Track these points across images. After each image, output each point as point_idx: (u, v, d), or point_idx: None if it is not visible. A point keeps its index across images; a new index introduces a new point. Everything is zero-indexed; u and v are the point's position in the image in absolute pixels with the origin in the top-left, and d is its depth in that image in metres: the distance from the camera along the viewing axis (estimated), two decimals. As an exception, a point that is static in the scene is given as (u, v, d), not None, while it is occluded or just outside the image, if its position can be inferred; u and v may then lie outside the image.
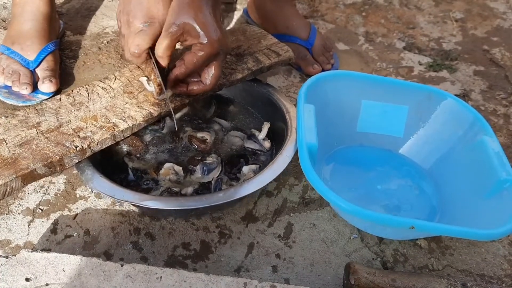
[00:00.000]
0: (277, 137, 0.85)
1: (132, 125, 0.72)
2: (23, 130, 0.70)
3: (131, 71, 0.82)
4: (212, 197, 0.68)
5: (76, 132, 0.70)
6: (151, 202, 0.66)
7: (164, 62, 0.71)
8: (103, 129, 0.71)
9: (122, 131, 0.72)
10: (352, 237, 0.78)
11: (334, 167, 0.87)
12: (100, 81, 0.80)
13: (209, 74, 0.72)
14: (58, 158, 0.66)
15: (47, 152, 0.67)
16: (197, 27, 0.67)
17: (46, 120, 0.73)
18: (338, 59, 1.12)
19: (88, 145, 0.68)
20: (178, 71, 0.71)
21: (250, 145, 0.84)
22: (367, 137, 0.90)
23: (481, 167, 0.77)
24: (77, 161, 0.69)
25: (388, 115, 0.89)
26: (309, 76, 0.87)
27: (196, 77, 0.74)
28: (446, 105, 0.86)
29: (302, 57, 1.05)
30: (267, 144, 0.84)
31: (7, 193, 0.64)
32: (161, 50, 0.69)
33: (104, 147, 0.71)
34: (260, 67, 0.85)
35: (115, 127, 0.71)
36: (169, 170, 0.76)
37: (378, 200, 0.82)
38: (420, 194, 0.84)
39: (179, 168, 0.77)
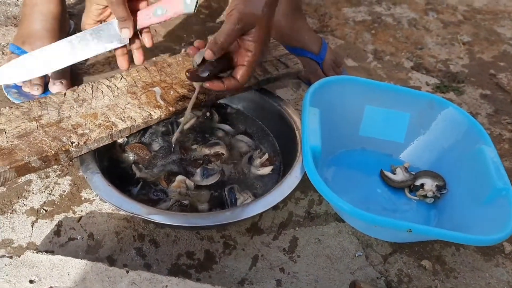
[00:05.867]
0: (286, 150, 0.85)
1: (131, 125, 0.72)
2: (24, 122, 0.70)
3: (138, 72, 0.82)
4: (219, 216, 0.67)
5: (75, 128, 0.70)
6: (158, 217, 0.65)
7: (221, 52, 0.69)
8: (101, 127, 0.70)
9: (120, 131, 0.71)
10: (356, 255, 0.77)
11: (337, 170, 0.88)
12: (106, 79, 0.80)
13: (241, 71, 0.71)
14: (53, 152, 0.66)
15: (43, 146, 0.66)
16: (262, 34, 0.69)
17: (48, 114, 0.72)
18: (348, 75, 1.13)
19: (85, 142, 0.68)
20: (239, 74, 0.71)
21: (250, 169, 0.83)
22: (369, 141, 0.92)
23: (479, 175, 0.80)
24: (72, 156, 0.68)
25: (390, 121, 0.92)
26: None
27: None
28: (446, 113, 0.89)
29: (313, 71, 1.06)
30: (266, 170, 0.82)
31: (0, 182, 0.63)
32: (225, 42, 0.68)
33: (100, 145, 0.70)
34: (267, 77, 0.84)
35: (113, 127, 0.71)
36: (181, 183, 0.75)
37: (377, 203, 0.85)
38: (421, 202, 0.87)
39: (190, 183, 0.76)
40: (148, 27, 0.81)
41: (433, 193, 0.86)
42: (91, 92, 0.77)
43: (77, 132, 0.69)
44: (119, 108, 0.74)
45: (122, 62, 0.82)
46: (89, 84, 0.79)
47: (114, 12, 0.76)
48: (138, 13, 0.79)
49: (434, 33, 1.36)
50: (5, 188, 0.79)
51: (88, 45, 0.80)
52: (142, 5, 0.80)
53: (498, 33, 1.40)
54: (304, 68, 1.03)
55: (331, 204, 0.77)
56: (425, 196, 0.86)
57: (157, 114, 0.74)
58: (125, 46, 0.81)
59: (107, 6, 0.78)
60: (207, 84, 0.71)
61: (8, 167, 0.63)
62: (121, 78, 0.80)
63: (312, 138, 0.75)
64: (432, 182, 0.86)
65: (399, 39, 1.32)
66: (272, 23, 0.71)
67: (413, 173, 0.88)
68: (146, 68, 0.83)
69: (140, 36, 0.81)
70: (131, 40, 0.80)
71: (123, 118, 0.72)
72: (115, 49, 0.81)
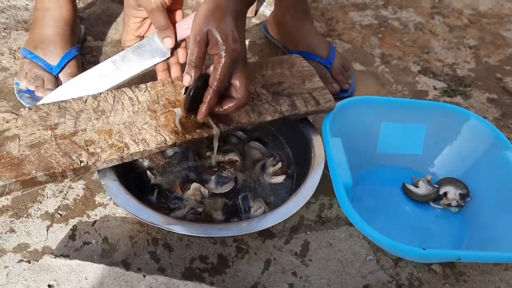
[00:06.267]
0: (299, 158, 0.85)
1: (143, 150, 0.69)
2: (39, 129, 0.70)
3: (163, 85, 0.79)
4: (235, 228, 0.68)
5: (87, 145, 0.69)
6: (177, 227, 0.65)
7: (198, 71, 0.70)
8: (114, 148, 0.69)
9: (131, 154, 0.69)
10: (368, 259, 0.78)
11: (359, 190, 0.87)
12: (130, 88, 0.78)
13: (237, 87, 0.70)
14: (60, 170, 0.65)
15: (52, 161, 0.66)
16: (218, 36, 0.66)
17: (64, 123, 0.71)
18: (355, 79, 1.14)
19: (94, 163, 0.67)
20: (208, 94, 0.69)
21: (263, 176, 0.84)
22: (387, 157, 0.93)
23: (506, 181, 0.81)
24: (80, 175, 0.68)
25: (407, 134, 0.92)
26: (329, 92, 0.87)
27: (227, 97, 0.72)
28: (464, 121, 0.90)
29: (321, 75, 1.06)
30: (279, 179, 0.82)
31: (4, 193, 0.64)
32: (194, 59, 0.69)
33: (109, 165, 0.69)
34: (294, 113, 0.79)
35: (125, 149, 0.69)
36: (196, 190, 0.76)
37: (405, 221, 0.85)
38: (446, 211, 0.88)
39: (205, 191, 0.77)
40: (184, 40, 0.80)
41: (457, 201, 0.86)
42: (112, 102, 0.75)
43: (88, 150, 0.68)
44: (136, 127, 0.72)
45: (163, 77, 0.81)
46: (111, 92, 0.77)
47: (155, 21, 0.75)
48: (176, 24, 0.79)
49: (441, 37, 1.37)
50: (20, 193, 0.80)
51: (131, 63, 0.79)
52: (178, 17, 0.80)
53: (504, 36, 1.40)
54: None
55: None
56: (449, 205, 0.87)
57: (172, 140, 0.71)
58: (165, 60, 0.81)
59: (145, 19, 0.78)
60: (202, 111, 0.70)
61: (14, 180, 0.63)
62: (145, 90, 0.78)
63: (343, 174, 0.75)
64: (455, 190, 0.87)
65: (406, 43, 1.33)
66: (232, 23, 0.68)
67: (436, 186, 0.89)
68: (172, 82, 0.80)
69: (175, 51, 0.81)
70: (170, 54, 0.80)
71: (137, 141, 0.70)
72: (155, 65, 0.81)
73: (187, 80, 0.69)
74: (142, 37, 0.81)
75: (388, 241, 0.69)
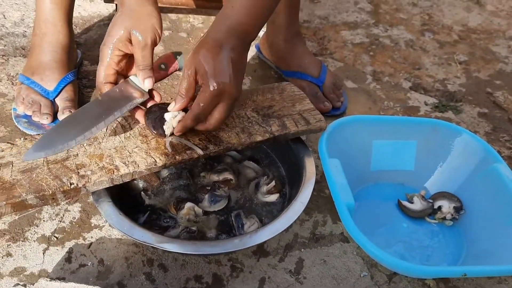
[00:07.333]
0: (292, 176, 0.86)
1: (133, 171, 0.70)
2: None
3: None
4: (228, 244, 0.68)
5: (78, 169, 0.70)
6: (169, 245, 0.66)
7: (185, 103, 0.72)
8: (104, 170, 0.70)
9: (121, 176, 0.70)
10: (362, 275, 0.79)
11: (358, 208, 0.85)
12: (123, 117, 0.79)
13: (214, 116, 0.72)
14: (51, 192, 0.66)
15: (43, 184, 0.67)
16: (206, 67, 0.69)
17: None
18: (347, 97, 1.16)
19: (84, 185, 0.68)
20: (186, 117, 0.72)
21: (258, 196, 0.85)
22: (380, 174, 0.94)
23: (498, 194, 0.82)
24: (71, 198, 0.69)
25: (399, 151, 0.94)
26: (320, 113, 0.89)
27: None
28: (454, 136, 0.92)
29: (313, 94, 1.09)
30: (272, 197, 0.83)
31: None
32: (183, 91, 0.72)
33: (100, 187, 0.70)
34: (284, 133, 0.80)
35: (115, 171, 0.70)
36: (190, 210, 0.77)
37: (404, 239, 0.86)
38: (441, 226, 0.89)
39: (199, 210, 0.78)
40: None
41: (452, 215, 0.87)
42: (105, 130, 0.77)
43: (79, 173, 0.69)
44: (126, 151, 0.74)
45: (140, 117, 0.78)
46: None
47: (143, 59, 0.73)
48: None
49: (431, 53, 1.40)
50: (17, 217, 0.81)
51: (111, 111, 0.74)
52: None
53: (493, 52, 1.43)
54: (304, 91, 1.06)
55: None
56: (444, 219, 0.88)
57: (162, 161, 0.72)
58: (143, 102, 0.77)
59: (125, 55, 0.75)
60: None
61: (5, 202, 0.64)
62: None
63: (344, 195, 0.76)
64: (449, 204, 0.88)
65: (397, 60, 1.35)
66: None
67: (431, 201, 0.90)
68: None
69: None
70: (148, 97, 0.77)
71: (127, 163, 0.71)
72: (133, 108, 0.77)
73: (171, 107, 0.73)
74: (120, 74, 0.77)
75: (403, 264, 0.73)
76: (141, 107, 0.77)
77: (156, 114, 0.75)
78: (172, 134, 0.75)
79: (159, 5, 0.79)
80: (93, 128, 0.72)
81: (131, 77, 0.76)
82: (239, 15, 0.72)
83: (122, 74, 0.77)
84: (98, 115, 0.73)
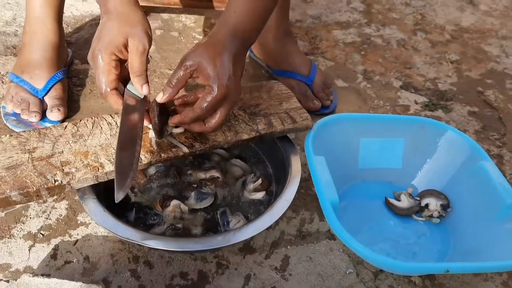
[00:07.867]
0: (279, 174, 0.86)
1: None
2: (17, 153, 0.72)
3: None
4: (211, 241, 0.69)
5: (62, 166, 0.70)
6: (153, 242, 0.66)
7: (173, 94, 0.72)
8: (88, 167, 0.70)
9: (106, 173, 0.70)
10: (347, 272, 0.79)
11: (342, 207, 0.86)
12: (110, 115, 0.80)
13: (214, 118, 0.72)
14: (35, 189, 0.66)
15: (27, 181, 0.67)
16: (211, 69, 0.69)
17: (43, 146, 0.73)
18: (337, 95, 1.16)
19: (68, 182, 0.68)
20: (186, 114, 0.72)
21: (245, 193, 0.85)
22: (368, 172, 0.94)
23: (484, 191, 0.82)
24: (55, 195, 0.69)
25: (386, 149, 0.93)
26: (309, 111, 0.89)
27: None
28: (441, 134, 0.92)
29: (303, 93, 1.09)
30: (259, 195, 0.83)
31: None
32: (175, 81, 0.71)
33: (85, 185, 0.70)
34: (271, 132, 0.81)
35: (100, 168, 0.70)
36: (176, 207, 0.77)
37: (391, 237, 0.86)
38: (429, 223, 0.89)
39: (185, 208, 0.78)
40: None
41: (439, 212, 0.88)
42: (91, 127, 0.77)
43: (63, 170, 0.69)
44: (112, 148, 0.74)
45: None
46: (91, 118, 0.79)
47: (141, 65, 0.72)
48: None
49: (423, 53, 1.40)
50: (3, 214, 0.81)
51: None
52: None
53: (485, 51, 1.43)
54: (293, 90, 1.06)
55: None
56: (431, 216, 0.88)
57: (147, 159, 0.73)
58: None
59: (119, 60, 0.72)
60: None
61: None
62: None
63: (328, 191, 0.76)
64: (436, 201, 0.88)
65: (388, 59, 1.35)
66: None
67: (418, 198, 0.90)
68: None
69: None
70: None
71: (112, 160, 0.71)
72: None
73: (160, 97, 0.72)
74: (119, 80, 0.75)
75: (384, 259, 0.73)
76: None
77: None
78: (161, 133, 0.75)
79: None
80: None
81: (128, 87, 0.74)
82: (242, 21, 0.73)
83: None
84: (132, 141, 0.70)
